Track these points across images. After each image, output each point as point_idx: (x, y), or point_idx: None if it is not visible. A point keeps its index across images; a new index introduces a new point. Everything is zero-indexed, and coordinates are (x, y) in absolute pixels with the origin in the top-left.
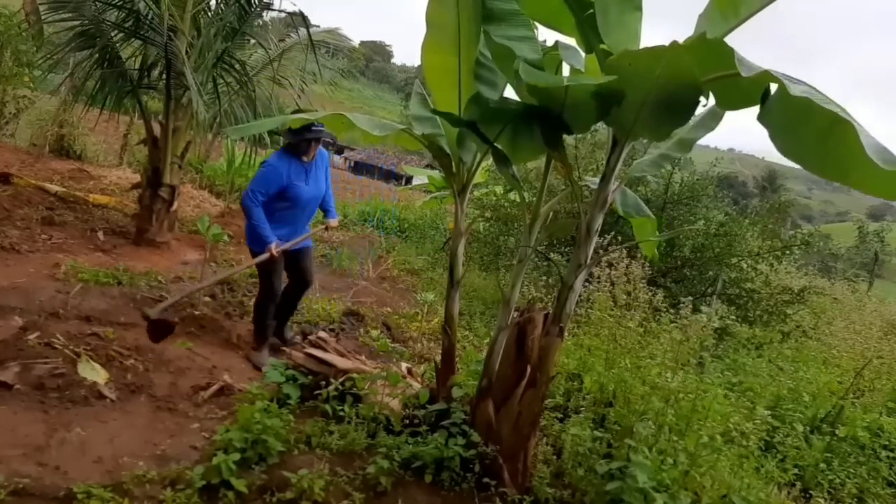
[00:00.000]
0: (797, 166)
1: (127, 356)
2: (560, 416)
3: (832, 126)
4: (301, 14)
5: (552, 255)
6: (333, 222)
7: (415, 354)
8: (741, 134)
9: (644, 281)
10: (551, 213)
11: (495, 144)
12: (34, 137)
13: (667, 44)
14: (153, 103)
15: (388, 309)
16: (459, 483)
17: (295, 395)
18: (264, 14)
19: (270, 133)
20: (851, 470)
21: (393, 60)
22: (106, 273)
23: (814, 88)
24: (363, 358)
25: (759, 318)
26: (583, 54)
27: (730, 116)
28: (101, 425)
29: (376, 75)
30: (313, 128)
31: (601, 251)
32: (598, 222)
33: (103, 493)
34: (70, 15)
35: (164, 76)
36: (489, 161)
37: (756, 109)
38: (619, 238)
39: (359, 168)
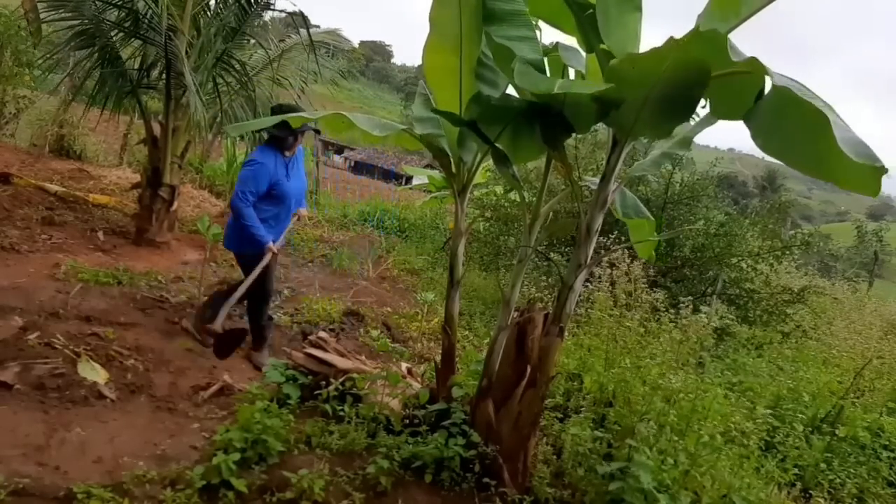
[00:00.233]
0: None
1: (127, 356)
2: (560, 416)
3: (811, 119)
4: (301, 14)
5: (552, 255)
6: (304, 211)
7: (415, 354)
8: (741, 134)
9: (645, 281)
10: (551, 213)
11: (496, 144)
12: (34, 137)
13: (661, 44)
14: (153, 103)
15: (388, 309)
16: (459, 483)
17: (295, 395)
18: (264, 14)
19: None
20: (851, 470)
21: (393, 60)
22: (106, 273)
23: (801, 84)
24: (363, 358)
25: (759, 318)
26: (583, 54)
27: None
28: (101, 425)
29: (376, 75)
30: None
31: (602, 251)
32: (598, 222)
33: (103, 493)
34: (69, 14)
35: (163, 76)
36: (489, 161)
37: None
38: (622, 238)
39: (359, 168)
